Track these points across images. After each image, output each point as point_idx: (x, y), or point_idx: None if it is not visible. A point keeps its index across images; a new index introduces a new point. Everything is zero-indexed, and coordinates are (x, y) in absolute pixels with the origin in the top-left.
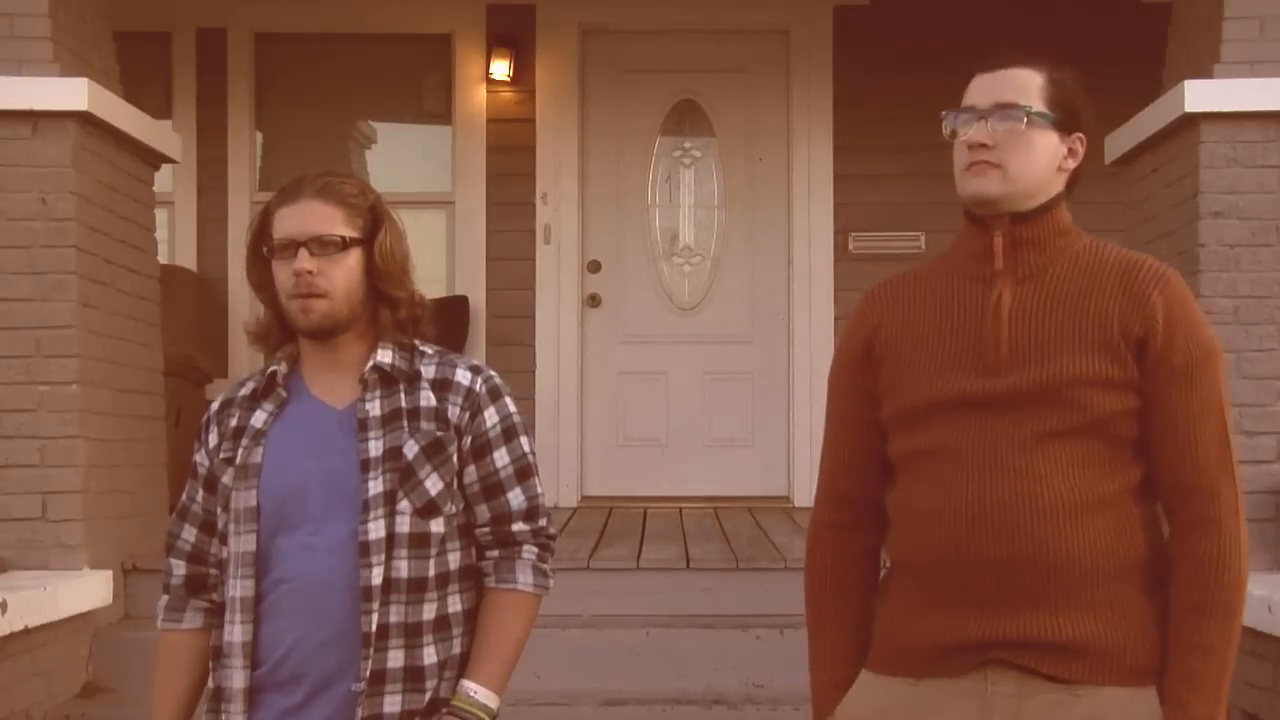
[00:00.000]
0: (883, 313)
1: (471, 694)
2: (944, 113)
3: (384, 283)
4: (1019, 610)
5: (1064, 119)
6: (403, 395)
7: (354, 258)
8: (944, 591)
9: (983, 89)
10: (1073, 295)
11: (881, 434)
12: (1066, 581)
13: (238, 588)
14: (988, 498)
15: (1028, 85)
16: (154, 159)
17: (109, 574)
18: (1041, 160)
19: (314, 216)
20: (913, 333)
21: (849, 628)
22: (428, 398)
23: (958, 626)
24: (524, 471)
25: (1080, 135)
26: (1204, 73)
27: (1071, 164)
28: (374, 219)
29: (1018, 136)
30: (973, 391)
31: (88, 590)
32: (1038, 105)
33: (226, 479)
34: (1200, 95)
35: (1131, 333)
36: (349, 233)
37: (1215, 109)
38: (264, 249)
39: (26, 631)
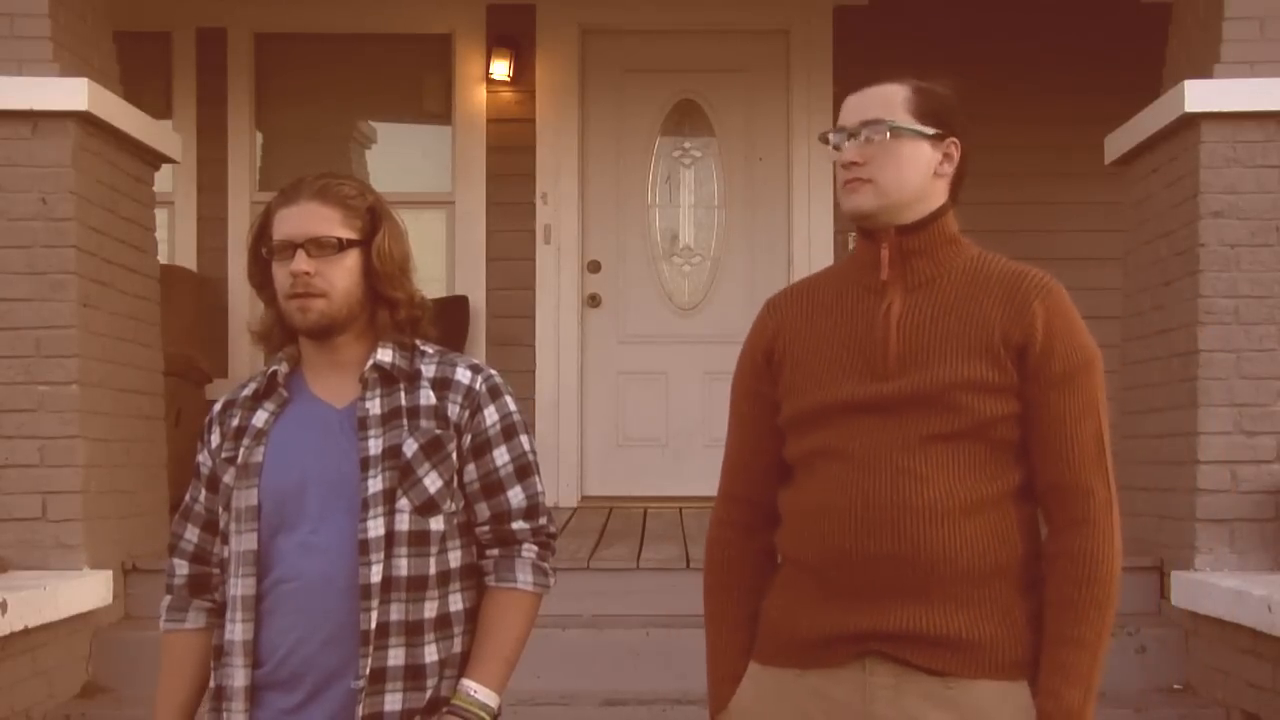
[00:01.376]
0: (781, 320)
1: (472, 693)
2: (820, 134)
3: (382, 284)
4: (897, 604)
5: (934, 126)
6: (402, 394)
7: (352, 259)
8: (827, 585)
9: (851, 108)
10: (958, 304)
11: (780, 437)
12: (943, 578)
13: (239, 586)
14: (871, 497)
15: (891, 99)
16: (154, 159)
17: (109, 574)
18: (913, 169)
19: (311, 218)
20: (809, 339)
21: (744, 624)
22: (427, 396)
23: (838, 618)
24: (524, 470)
25: (954, 140)
26: (1204, 73)
27: (948, 169)
28: (373, 220)
29: (884, 150)
30: (862, 395)
31: (88, 590)
32: (901, 117)
33: (228, 478)
34: (1200, 95)
35: (1012, 340)
36: (346, 234)
37: (1215, 109)
38: (263, 250)
39: (26, 631)
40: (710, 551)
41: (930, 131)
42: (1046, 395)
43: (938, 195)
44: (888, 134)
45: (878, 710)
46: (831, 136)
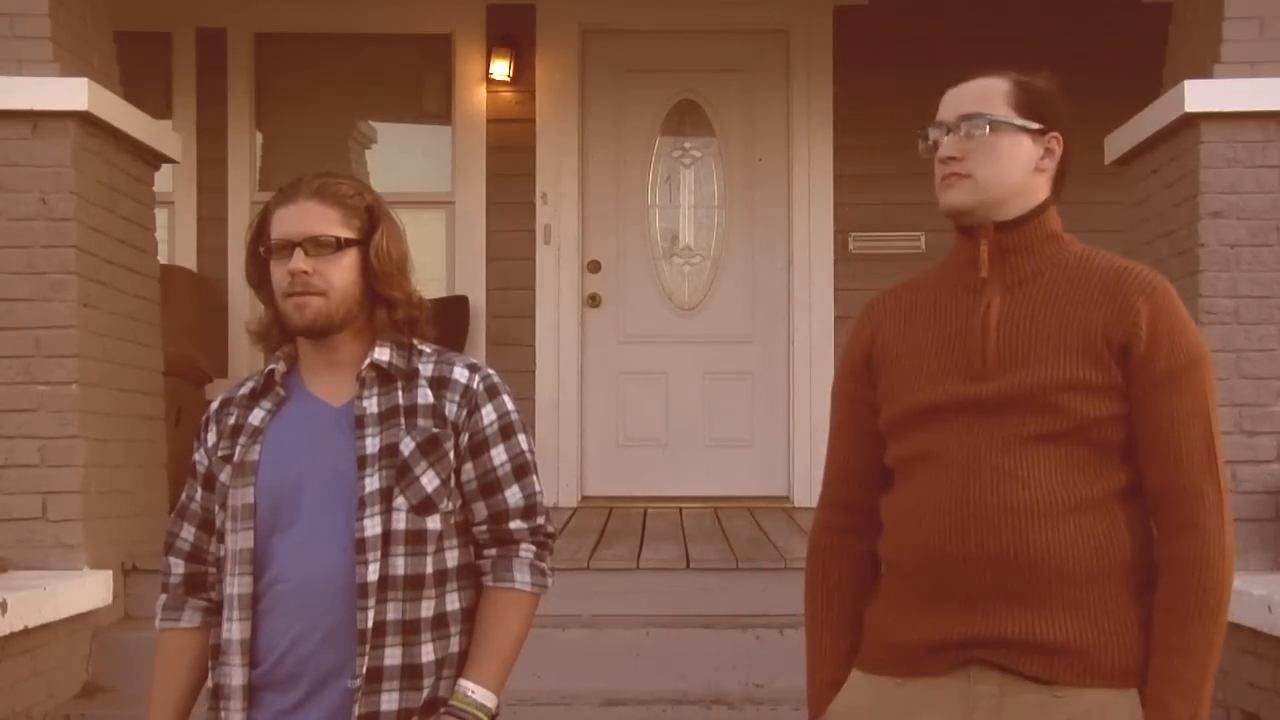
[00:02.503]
0: (880, 322)
1: (469, 693)
2: (918, 130)
3: (380, 283)
4: (1000, 610)
5: (1034, 120)
6: (400, 393)
7: (350, 258)
8: (928, 591)
9: (950, 102)
10: (1059, 302)
11: (881, 442)
12: (1047, 583)
13: (235, 585)
14: (970, 499)
15: (991, 93)
16: (154, 159)
17: (109, 574)
18: (1012, 164)
19: (310, 217)
20: (907, 341)
21: (844, 629)
22: (425, 395)
23: (941, 626)
24: (522, 469)
25: (1056, 135)
26: (1204, 73)
27: (1049, 164)
28: (371, 219)
29: (982, 144)
30: (960, 396)
31: (88, 590)
32: (1001, 111)
33: (224, 477)
34: (1200, 95)
35: (1115, 339)
36: (344, 233)
37: (1215, 109)
38: (261, 249)
39: (26, 631)
40: (811, 556)
41: (1032, 126)
42: (1151, 395)
43: (1039, 191)
44: (987, 128)
45: None
46: (931, 132)
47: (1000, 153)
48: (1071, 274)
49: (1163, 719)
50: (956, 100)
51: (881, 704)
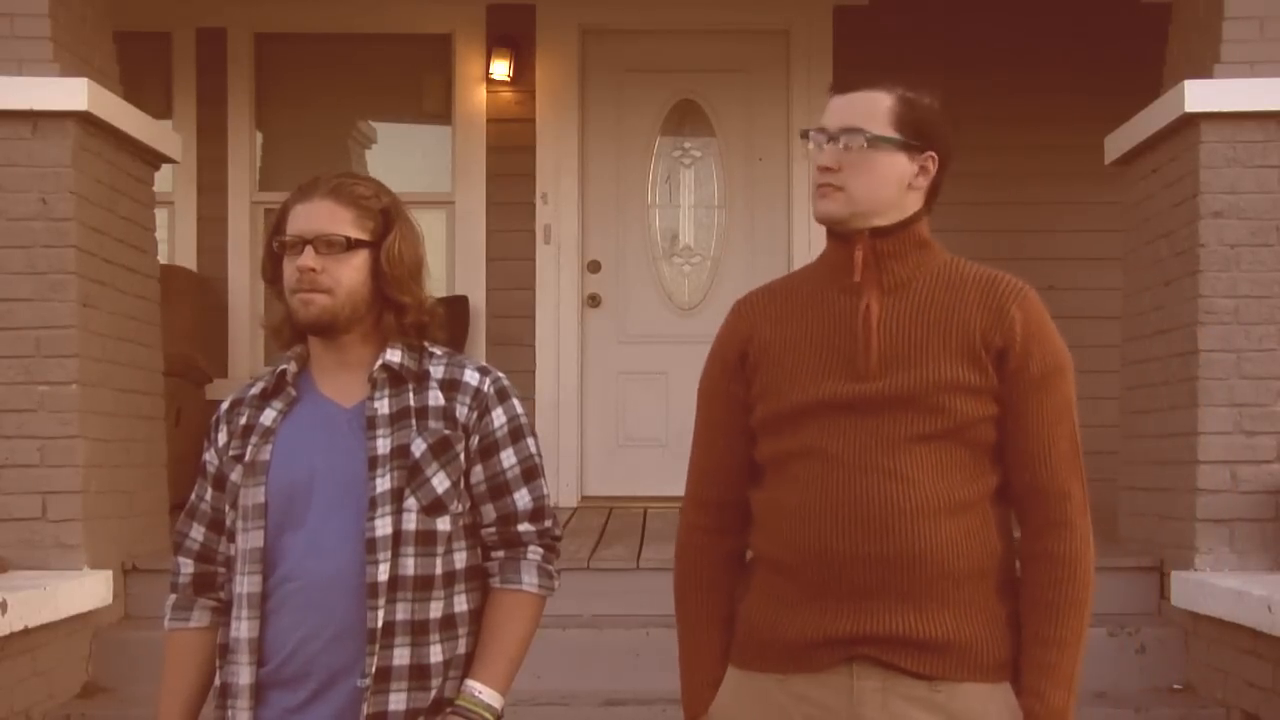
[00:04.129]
0: (755, 321)
1: (476, 694)
2: (803, 130)
3: (390, 287)
4: (885, 608)
5: (913, 139)
6: (411, 394)
7: (360, 259)
8: (811, 587)
9: (834, 110)
10: (937, 306)
11: (750, 439)
12: (929, 581)
13: (244, 584)
14: (857, 497)
15: (875, 108)
16: (154, 159)
17: (109, 574)
18: (886, 180)
19: (323, 215)
20: (786, 340)
21: (721, 627)
22: (436, 397)
23: (825, 622)
24: (530, 472)
25: (932, 154)
26: (1204, 73)
27: (923, 182)
28: (386, 222)
29: (859, 159)
30: (844, 395)
31: (88, 590)
32: (881, 128)
33: (235, 476)
34: (1200, 95)
35: (993, 344)
36: (356, 234)
37: (1215, 109)
38: (275, 244)
39: (26, 631)
40: (683, 556)
41: (909, 144)
42: (1024, 399)
43: (912, 204)
44: (864, 144)
45: (866, 714)
46: (812, 135)
47: (875, 168)
48: (944, 280)
49: (1042, 707)
50: (841, 110)
51: (764, 700)
